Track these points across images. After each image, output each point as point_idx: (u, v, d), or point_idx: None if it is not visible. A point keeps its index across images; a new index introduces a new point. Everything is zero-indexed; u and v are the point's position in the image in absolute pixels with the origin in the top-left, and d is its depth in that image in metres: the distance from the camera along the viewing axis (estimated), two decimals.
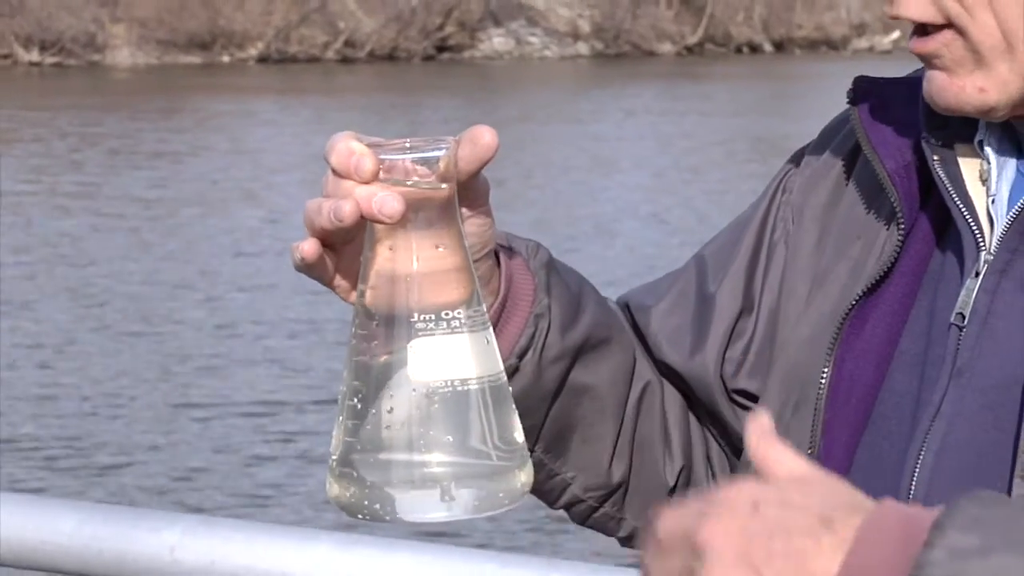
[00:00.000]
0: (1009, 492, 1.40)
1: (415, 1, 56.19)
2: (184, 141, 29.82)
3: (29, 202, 22.40)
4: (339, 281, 1.44)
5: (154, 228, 20.54)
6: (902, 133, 1.56)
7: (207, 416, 12.12)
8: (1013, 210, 1.47)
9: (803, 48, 62.19)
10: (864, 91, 1.60)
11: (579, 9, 60.39)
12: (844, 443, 1.52)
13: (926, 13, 1.45)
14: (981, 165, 1.51)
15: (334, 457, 1.34)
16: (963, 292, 1.48)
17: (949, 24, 1.45)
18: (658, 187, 24.73)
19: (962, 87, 1.46)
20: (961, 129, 1.53)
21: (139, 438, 11.55)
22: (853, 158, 1.63)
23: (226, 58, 52.44)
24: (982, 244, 1.48)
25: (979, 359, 1.46)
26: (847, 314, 1.54)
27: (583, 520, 1.70)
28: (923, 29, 1.46)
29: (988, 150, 1.51)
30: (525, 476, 1.35)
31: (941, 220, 1.53)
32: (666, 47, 60.80)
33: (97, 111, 34.46)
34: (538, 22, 59.85)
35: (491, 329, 1.35)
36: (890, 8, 1.47)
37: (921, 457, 1.46)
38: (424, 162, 1.33)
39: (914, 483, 1.46)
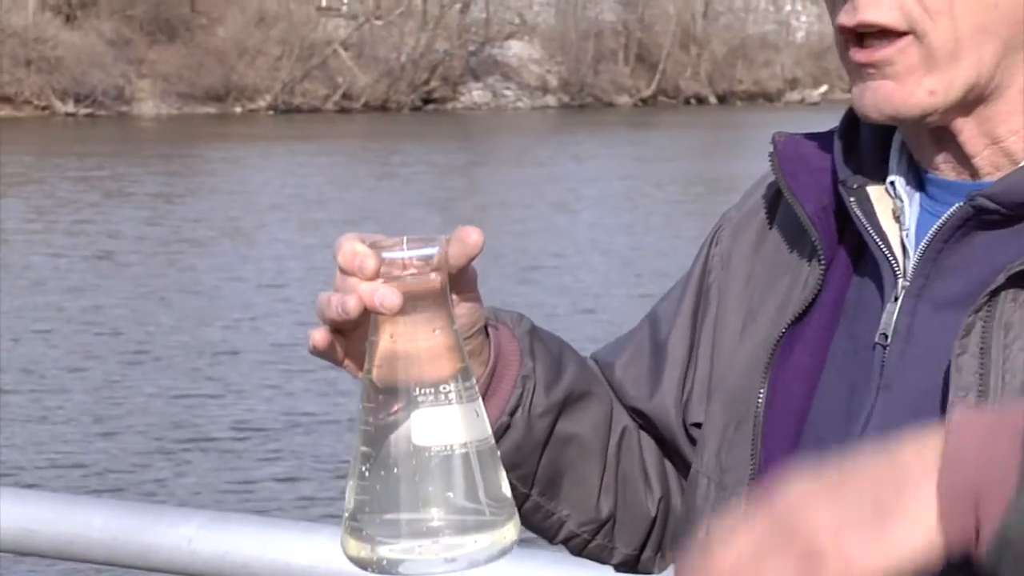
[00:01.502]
0: None
1: (404, 59, 56.22)
2: (201, 181, 29.81)
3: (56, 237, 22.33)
4: (348, 362, 1.46)
5: (186, 255, 20.54)
6: (818, 180, 1.54)
7: (197, 437, 12.05)
8: (924, 241, 1.46)
9: (743, 100, 62.33)
10: (782, 146, 1.58)
11: (548, 66, 60.45)
12: (782, 455, 1.50)
13: (891, 18, 1.41)
14: (894, 203, 1.50)
15: (347, 515, 1.36)
16: (884, 315, 1.47)
17: (906, 31, 1.41)
18: (613, 222, 24.71)
19: (911, 92, 1.42)
20: (873, 173, 1.52)
21: (132, 460, 11.47)
22: (775, 206, 1.62)
23: (238, 109, 52.40)
24: (899, 272, 1.47)
25: (903, 374, 1.45)
26: (778, 341, 1.52)
27: (580, 552, 1.71)
28: (860, 39, 1.43)
29: (899, 190, 1.50)
30: (514, 528, 1.36)
31: (857, 254, 1.52)
32: (624, 99, 60.88)
33: (123, 156, 34.44)
34: (512, 77, 59.90)
35: (480, 400, 1.37)
36: (852, 16, 1.42)
37: None
38: (420, 259, 1.35)
39: None
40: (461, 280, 1.46)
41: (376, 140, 40.64)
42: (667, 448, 1.69)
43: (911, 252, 1.47)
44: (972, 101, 1.44)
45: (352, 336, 1.43)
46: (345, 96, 54.73)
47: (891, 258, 1.47)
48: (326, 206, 25.69)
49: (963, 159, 1.47)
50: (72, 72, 49.00)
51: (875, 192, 1.51)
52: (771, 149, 1.59)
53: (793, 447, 1.50)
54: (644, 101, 61.11)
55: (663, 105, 60.36)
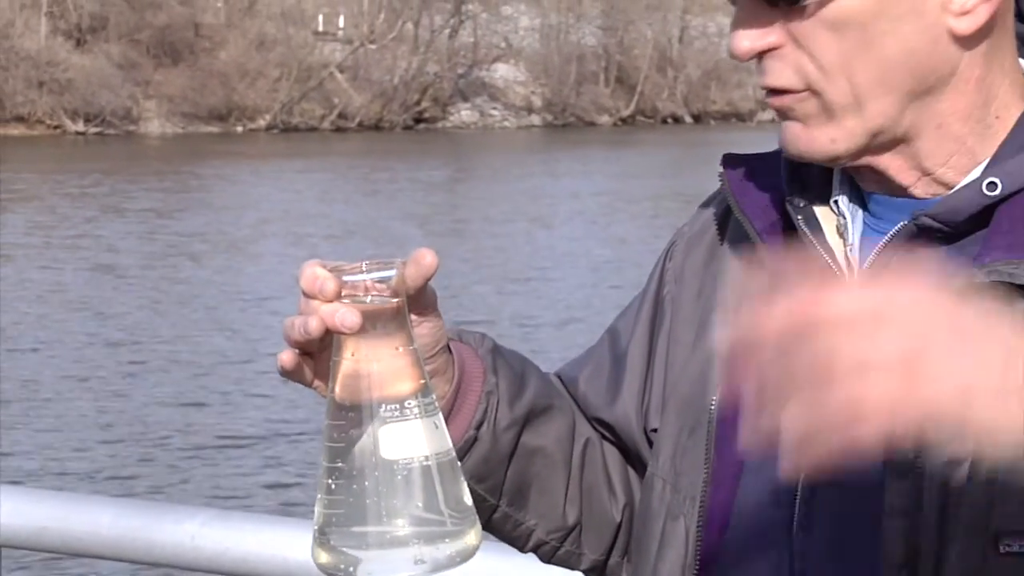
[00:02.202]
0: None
1: (397, 80, 56.21)
2: (202, 197, 29.77)
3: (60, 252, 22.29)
4: (316, 382, 1.45)
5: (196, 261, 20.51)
6: (767, 198, 1.55)
7: (195, 443, 12.02)
8: (872, 255, 1.47)
9: (717, 119, 62.39)
10: (733, 166, 1.59)
11: (532, 87, 60.47)
12: (733, 460, 1.50)
13: (790, 81, 1.44)
14: (838, 220, 1.51)
15: (316, 528, 1.35)
16: None
17: (804, 89, 1.44)
18: (592, 234, 24.69)
19: (814, 138, 1.45)
20: (819, 191, 1.52)
21: (136, 463, 11.44)
22: (725, 222, 1.63)
23: (240, 128, 52.37)
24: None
25: None
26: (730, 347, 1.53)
27: (549, 559, 1.70)
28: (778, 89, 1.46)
29: (843, 208, 1.50)
30: (475, 535, 1.36)
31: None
32: (604, 119, 60.91)
33: (129, 172, 34.41)
34: (498, 98, 59.91)
35: (440, 414, 1.36)
36: (761, 79, 1.46)
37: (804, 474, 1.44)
38: (379, 281, 1.36)
39: (799, 489, 1.45)
40: (420, 300, 1.46)
41: (369, 158, 40.61)
42: (630, 456, 1.68)
43: (855, 266, 1.48)
44: (889, 142, 1.46)
45: (319, 358, 1.43)
46: (341, 116, 54.70)
47: (836, 272, 1.47)
48: (316, 221, 25.54)
49: (898, 188, 1.48)
50: (82, 93, 48.95)
51: (820, 210, 1.51)
52: (720, 170, 1.60)
53: (743, 454, 1.49)
54: (623, 121, 61.13)
55: (641, 124, 60.40)
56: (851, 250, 1.49)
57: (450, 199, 30.15)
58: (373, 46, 57.30)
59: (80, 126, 48.81)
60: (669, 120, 61.86)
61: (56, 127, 48.58)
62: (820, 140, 1.45)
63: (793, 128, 1.46)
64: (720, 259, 1.62)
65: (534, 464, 1.63)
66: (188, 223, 25.59)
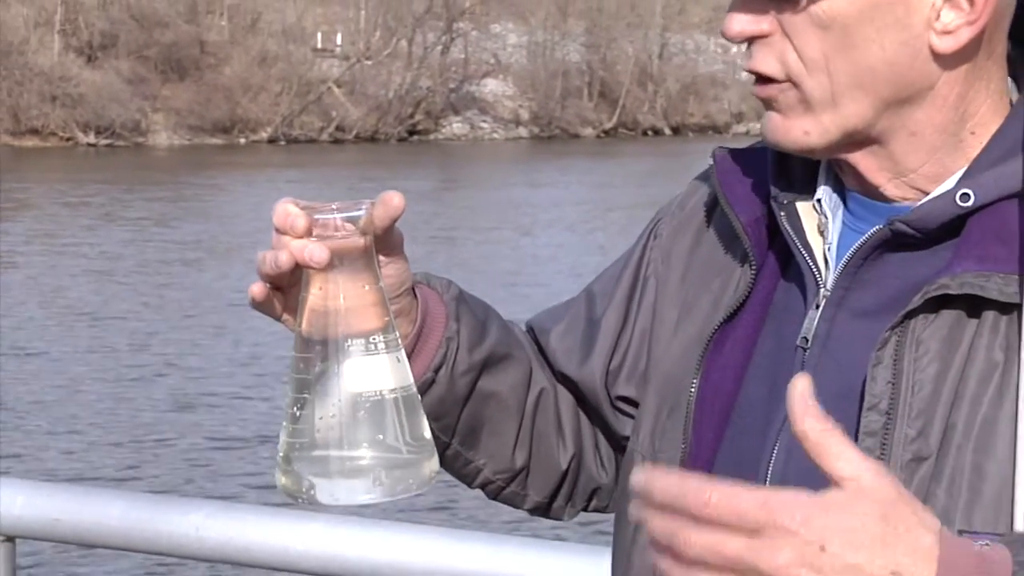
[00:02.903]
0: None
1: (391, 95, 56.14)
2: (206, 205, 29.73)
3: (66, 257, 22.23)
4: (285, 316, 1.47)
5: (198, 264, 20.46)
6: (753, 192, 1.55)
7: (188, 445, 11.99)
8: (846, 256, 1.46)
9: (695, 132, 62.39)
10: (722, 158, 1.60)
11: (520, 101, 60.41)
12: (709, 441, 1.51)
13: (773, 69, 1.44)
14: (819, 219, 1.51)
15: (280, 455, 1.35)
16: (806, 321, 1.47)
17: (785, 80, 1.45)
18: (575, 240, 24.66)
19: (790, 128, 1.45)
20: (802, 189, 1.52)
21: (137, 466, 11.42)
22: (712, 211, 1.63)
23: (243, 140, 52.26)
24: (821, 282, 1.47)
25: (821, 374, 1.40)
26: (711, 336, 1.53)
27: (495, 496, 1.72)
28: (765, 78, 1.46)
29: (824, 206, 1.50)
30: (432, 466, 1.37)
31: (785, 262, 1.53)
32: (588, 131, 60.88)
33: (139, 182, 34.36)
34: (488, 111, 59.86)
35: (403, 351, 1.37)
36: (748, 63, 1.47)
37: (775, 453, 1.45)
38: (348, 220, 1.36)
39: (769, 473, 1.45)
40: (388, 242, 1.47)
41: (364, 168, 40.53)
42: (592, 414, 1.69)
43: (832, 265, 1.47)
44: (861, 142, 1.45)
45: (288, 292, 1.44)
46: (338, 128, 54.61)
47: (814, 269, 1.48)
48: None
49: (872, 187, 1.48)
50: (93, 107, 48.83)
51: (803, 207, 1.51)
52: (711, 162, 1.60)
53: (719, 436, 1.51)
54: (606, 133, 61.09)
55: (623, 136, 60.36)
56: (829, 249, 1.48)
57: (439, 207, 30.05)
58: (369, 62, 57.23)
59: (91, 138, 48.67)
60: (649, 132, 61.81)
61: (68, 139, 48.45)
62: (795, 131, 1.45)
63: (773, 118, 1.46)
64: (705, 245, 1.62)
65: (487, 408, 1.64)
66: (190, 230, 25.49)
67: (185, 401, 13.03)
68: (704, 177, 1.67)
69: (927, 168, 1.45)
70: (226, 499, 9.50)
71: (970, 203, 1.41)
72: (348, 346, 1.33)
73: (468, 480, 1.69)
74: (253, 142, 52.06)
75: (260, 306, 1.46)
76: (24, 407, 12.60)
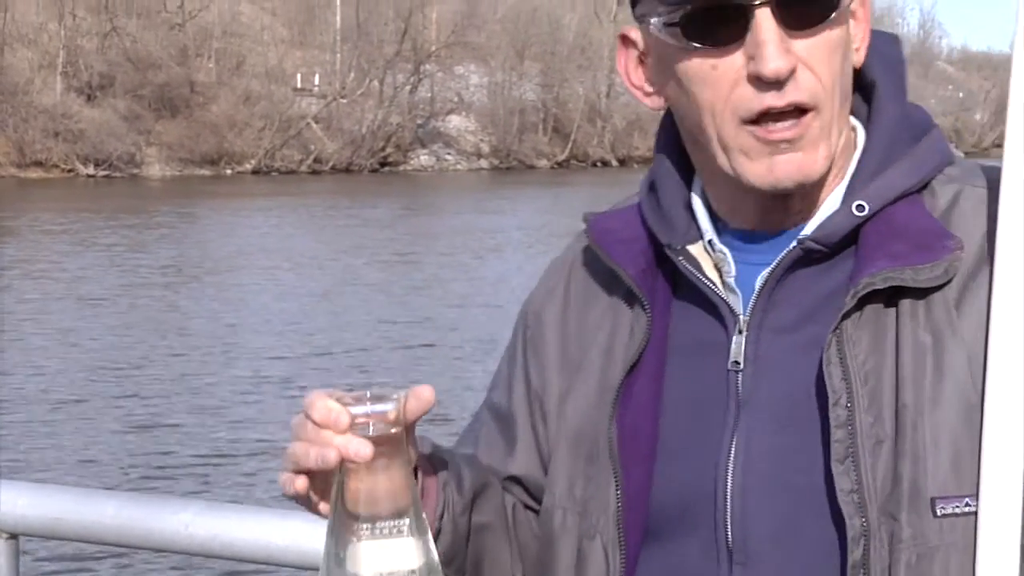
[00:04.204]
0: (829, 477, 1.37)
1: (364, 130, 56.14)
2: (191, 231, 29.64)
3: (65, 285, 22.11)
4: (321, 504, 1.39)
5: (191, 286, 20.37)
6: (631, 247, 1.51)
7: (173, 453, 11.93)
8: (760, 280, 1.44)
9: (639, 163, 62.54)
10: (595, 222, 1.55)
11: (481, 135, 60.51)
12: (640, 477, 1.46)
13: (806, 98, 1.37)
14: (713, 257, 1.48)
15: None
16: (733, 346, 1.44)
17: (813, 107, 1.38)
18: (525, 263, 24.58)
19: (815, 160, 1.39)
20: (686, 236, 1.49)
21: (136, 471, 11.34)
22: (570, 280, 1.58)
23: (229, 171, 52.14)
24: (736, 311, 1.45)
25: (759, 391, 1.43)
26: (622, 382, 1.48)
27: None
28: (767, 117, 1.37)
29: (718, 245, 1.47)
30: None
31: (680, 303, 1.50)
32: (543, 162, 61.02)
33: (134, 210, 34.25)
34: (452, 144, 59.93)
35: (429, 531, 1.32)
36: (781, 98, 1.37)
37: (731, 465, 1.42)
38: (381, 413, 1.31)
39: (729, 488, 1.42)
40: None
41: (342, 197, 40.50)
42: (540, 502, 1.60)
43: (742, 292, 1.45)
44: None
45: (317, 477, 1.37)
46: (316, 160, 54.56)
47: (727, 300, 1.46)
48: (282, 253, 25.18)
49: (780, 215, 1.45)
50: (92, 141, 48.66)
51: (694, 249, 1.48)
52: (584, 227, 1.55)
53: (648, 470, 1.47)
54: (559, 164, 61.24)
55: (575, 167, 60.52)
56: (735, 281, 1.46)
57: (402, 233, 30.01)
58: (344, 100, 57.21)
59: (91, 170, 48.48)
60: (598, 164, 62.00)
61: (69, 171, 48.24)
62: (819, 162, 1.40)
63: (795, 158, 1.39)
64: (576, 310, 1.57)
65: (485, 538, 1.57)
66: (178, 254, 25.35)
67: (173, 412, 12.96)
68: (561, 260, 1.62)
69: (831, 178, 1.45)
70: (212, 499, 9.46)
71: (865, 213, 1.41)
72: (379, 528, 1.29)
73: None
74: (238, 173, 51.97)
75: (299, 496, 1.39)
76: (33, 415, 12.51)
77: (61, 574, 8.33)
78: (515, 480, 1.60)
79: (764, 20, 1.35)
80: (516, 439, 1.59)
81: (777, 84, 1.36)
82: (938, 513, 1.34)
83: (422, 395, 1.34)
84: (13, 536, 2.68)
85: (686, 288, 1.49)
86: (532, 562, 1.58)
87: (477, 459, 1.61)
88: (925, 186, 1.44)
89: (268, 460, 10.72)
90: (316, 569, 1.52)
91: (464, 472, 1.55)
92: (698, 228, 1.49)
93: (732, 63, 1.38)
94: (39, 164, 48.10)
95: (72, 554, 8.44)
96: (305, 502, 1.39)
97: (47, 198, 38.11)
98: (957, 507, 1.33)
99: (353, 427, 1.30)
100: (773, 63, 1.35)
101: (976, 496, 1.33)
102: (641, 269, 1.49)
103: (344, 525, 1.29)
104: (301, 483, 1.36)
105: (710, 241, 1.48)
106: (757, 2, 1.35)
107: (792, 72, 1.37)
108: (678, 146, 1.53)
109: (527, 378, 1.60)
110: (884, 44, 1.46)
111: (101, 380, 14.14)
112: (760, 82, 1.36)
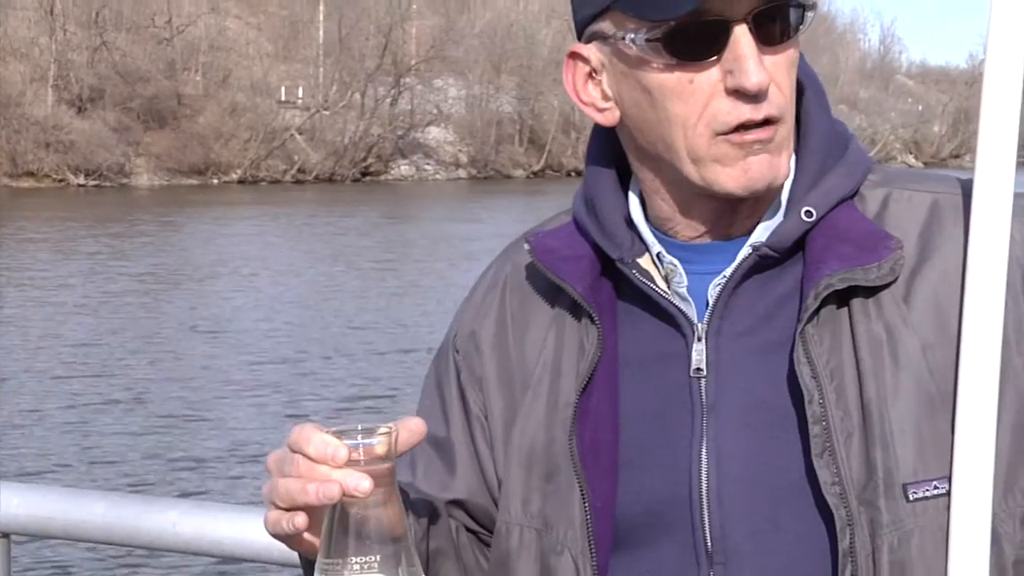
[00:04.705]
0: (809, 472, 1.37)
1: (347, 141, 56.09)
2: (179, 239, 29.57)
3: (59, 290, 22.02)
4: (309, 537, 1.34)
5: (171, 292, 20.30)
6: (576, 264, 1.49)
7: (161, 456, 11.90)
8: (716, 288, 1.44)
9: None
10: (537, 242, 1.52)
11: (459, 146, 60.52)
12: (605, 489, 1.44)
13: (777, 110, 1.39)
14: (663, 269, 1.46)
15: None
16: (694, 354, 1.44)
17: (776, 120, 1.39)
18: None
19: (780, 164, 1.40)
20: (632, 250, 1.48)
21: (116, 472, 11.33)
22: (504, 302, 1.56)
23: (215, 181, 52.04)
24: (692, 320, 1.44)
25: (724, 395, 1.43)
26: (578, 398, 1.46)
27: None
28: (743, 126, 1.38)
29: (667, 257, 1.46)
30: None
31: (628, 316, 1.48)
32: (519, 172, 61.06)
33: (122, 219, 34.14)
34: (431, 155, 59.91)
35: (417, 559, 1.29)
36: (759, 111, 1.38)
37: (704, 469, 1.42)
38: (374, 446, 1.28)
39: (704, 492, 1.42)
40: None
41: (325, 206, 40.45)
42: (486, 523, 1.57)
43: (696, 301, 1.45)
44: None
45: (307, 514, 1.32)
46: (300, 170, 54.49)
47: (683, 309, 1.45)
48: (263, 261, 25.08)
49: (728, 224, 1.45)
50: (83, 152, 48.51)
51: (644, 262, 1.47)
52: (528, 248, 1.53)
53: (613, 481, 1.45)
54: (535, 174, 61.30)
55: (549, 177, 60.58)
56: (686, 291, 1.45)
57: (381, 240, 29.95)
58: (327, 112, 57.15)
59: (81, 180, 48.33)
60: (572, 173, 62.04)
61: (60, 180, 48.07)
62: (784, 166, 1.42)
63: (766, 159, 1.40)
64: (516, 331, 1.54)
65: (439, 564, 1.53)
66: (160, 261, 25.26)
67: (161, 414, 12.93)
68: (491, 280, 1.59)
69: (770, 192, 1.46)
70: (198, 498, 9.44)
71: (813, 218, 1.42)
72: (376, 561, 1.25)
73: None
74: (224, 183, 51.86)
75: (294, 533, 1.33)
76: (23, 420, 12.46)
77: (52, 572, 8.29)
78: (457, 504, 1.56)
79: (743, 36, 1.37)
80: (456, 463, 1.55)
81: (756, 97, 1.37)
82: (910, 498, 1.36)
83: (413, 427, 1.32)
84: (5, 535, 2.67)
85: (635, 301, 1.47)
86: None
87: (416, 487, 1.56)
88: (855, 192, 1.46)
89: (250, 465, 10.71)
90: (296, 566, 1.50)
91: (415, 499, 1.52)
92: (642, 242, 1.49)
93: (709, 77, 1.38)
94: (31, 174, 47.93)
95: (63, 552, 8.40)
96: (297, 540, 1.35)
97: (39, 207, 37.97)
98: (927, 491, 1.36)
99: (348, 462, 1.27)
100: (756, 77, 1.36)
101: (943, 479, 1.36)
102: (588, 285, 1.48)
103: (339, 561, 1.26)
104: (301, 520, 1.31)
105: (658, 254, 1.47)
106: (736, 19, 1.36)
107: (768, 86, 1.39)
108: (611, 161, 1.53)
109: (464, 403, 1.56)
110: (801, 61, 1.47)
111: (88, 384, 14.10)
112: (738, 95, 1.37)
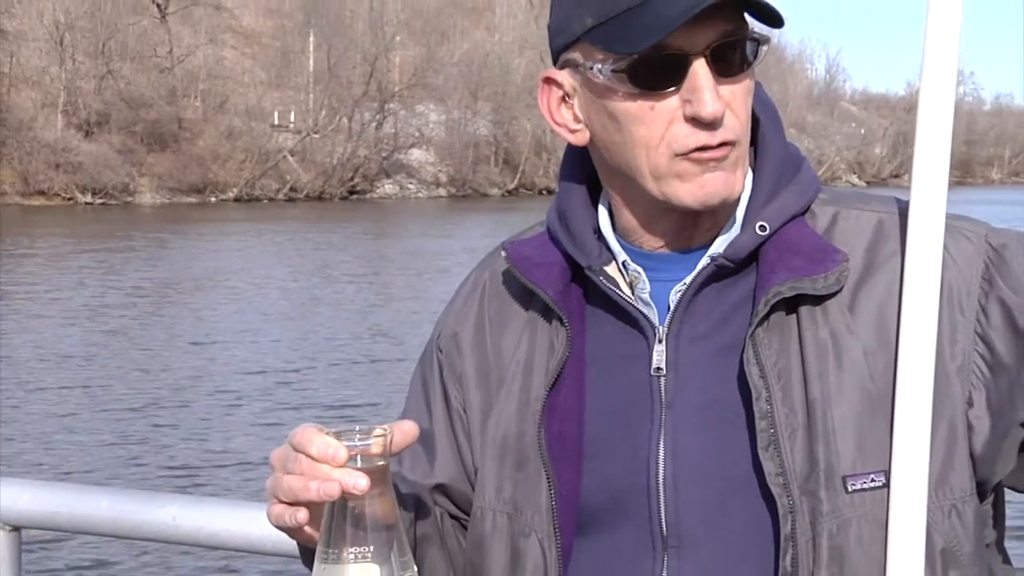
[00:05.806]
0: (756, 464, 1.38)
1: (335, 161, 56.02)
2: (177, 255, 29.44)
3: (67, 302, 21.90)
4: (309, 529, 1.35)
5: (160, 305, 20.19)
6: (548, 271, 1.50)
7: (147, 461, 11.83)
8: (677, 295, 1.46)
9: None
10: (513, 250, 1.54)
11: (439, 167, 60.51)
12: (571, 477, 1.46)
13: (732, 135, 1.40)
14: (628, 276, 1.48)
15: None
16: (655, 355, 1.45)
17: (731, 143, 1.40)
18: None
19: (735, 182, 1.42)
20: (600, 258, 1.49)
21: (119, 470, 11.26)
22: (483, 303, 1.57)
23: (213, 199, 51.89)
24: (654, 323, 1.46)
25: (681, 393, 1.44)
26: (547, 393, 1.47)
27: None
28: (700, 148, 1.39)
29: (632, 266, 1.48)
30: None
31: (595, 319, 1.49)
32: (495, 191, 61.07)
33: (127, 234, 34.01)
34: (413, 175, 59.87)
35: (408, 550, 1.30)
36: (714, 137, 1.39)
37: (661, 460, 1.43)
38: (371, 447, 1.30)
39: (660, 482, 1.43)
40: None
41: (314, 223, 40.35)
42: (467, 508, 1.58)
43: (658, 307, 1.46)
44: None
45: (307, 508, 1.34)
46: (292, 189, 54.38)
47: (646, 313, 1.46)
48: (252, 274, 24.77)
49: (689, 236, 1.47)
50: (90, 172, 48.32)
51: (610, 270, 1.49)
52: (504, 255, 1.54)
53: (578, 471, 1.46)
54: (510, 192, 61.32)
55: (523, 195, 60.59)
56: (649, 296, 1.47)
57: (363, 254, 29.81)
58: (317, 135, 57.07)
59: (88, 198, 48.14)
60: (544, 192, 62.06)
61: (69, 199, 47.87)
62: (737, 184, 1.43)
63: (721, 176, 1.41)
64: (493, 332, 1.56)
65: (426, 549, 1.54)
66: (163, 273, 25.10)
67: (161, 418, 12.86)
68: (472, 286, 1.61)
69: (727, 208, 1.46)
70: (197, 494, 9.39)
71: (767, 232, 1.44)
72: (363, 552, 1.26)
73: None
74: (222, 200, 51.74)
75: (296, 527, 1.34)
76: (32, 418, 12.39)
77: (60, 564, 8.24)
78: (440, 489, 1.57)
79: (700, 68, 1.38)
80: (436, 452, 1.57)
81: (711, 124, 1.39)
82: (849, 489, 1.37)
83: (406, 429, 1.34)
84: (16, 528, 2.66)
85: (602, 305, 1.49)
86: (461, 567, 1.55)
87: (403, 475, 1.57)
88: (806, 209, 1.48)
89: (239, 467, 10.63)
90: (292, 556, 1.50)
91: (405, 493, 1.52)
92: (609, 251, 1.50)
93: (669, 105, 1.40)
94: (42, 193, 47.72)
95: (69, 545, 8.35)
96: (298, 532, 1.36)
97: (50, 224, 37.79)
98: (865, 483, 1.38)
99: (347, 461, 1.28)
100: (711, 107, 1.38)
101: (880, 472, 1.38)
102: (559, 290, 1.49)
103: (337, 550, 1.27)
104: (303, 515, 1.32)
105: (624, 262, 1.48)
106: (695, 53, 1.38)
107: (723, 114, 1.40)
108: (583, 178, 1.54)
109: (446, 397, 1.57)
110: (759, 89, 1.49)
111: (87, 392, 14.02)
112: (696, 122, 1.39)
